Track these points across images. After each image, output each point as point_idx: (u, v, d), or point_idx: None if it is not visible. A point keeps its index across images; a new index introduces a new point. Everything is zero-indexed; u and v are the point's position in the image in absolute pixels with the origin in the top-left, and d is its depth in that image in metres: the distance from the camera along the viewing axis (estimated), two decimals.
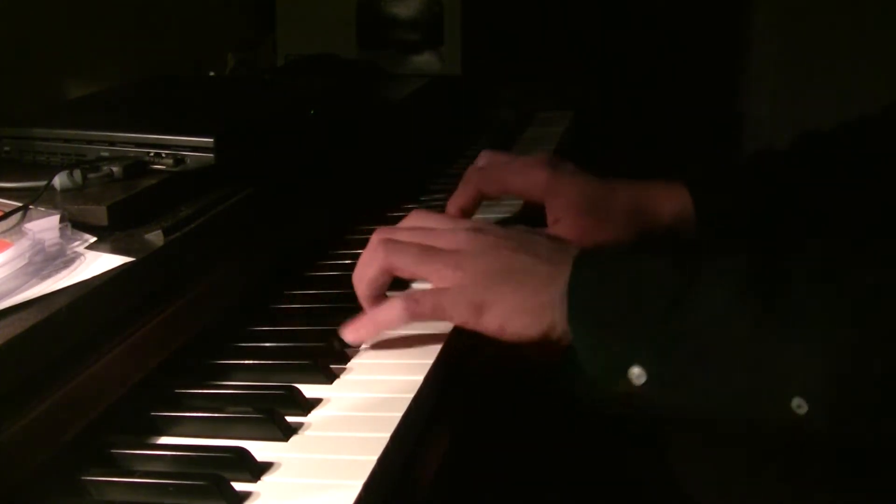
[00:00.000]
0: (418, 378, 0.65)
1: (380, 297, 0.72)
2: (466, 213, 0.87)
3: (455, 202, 0.87)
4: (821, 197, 0.84)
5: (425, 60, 1.40)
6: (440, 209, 1.00)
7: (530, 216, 0.88)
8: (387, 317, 0.69)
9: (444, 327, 0.72)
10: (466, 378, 0.72)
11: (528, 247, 0.70)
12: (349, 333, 0.70)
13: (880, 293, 0.60)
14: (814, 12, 2.13)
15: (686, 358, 0.62)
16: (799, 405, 0.59)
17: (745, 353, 0.61)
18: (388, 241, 0.71)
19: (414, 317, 0.68)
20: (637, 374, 0.62)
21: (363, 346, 0.71)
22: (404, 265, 0.70)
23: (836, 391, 0.59)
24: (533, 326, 0.66)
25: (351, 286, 0.82)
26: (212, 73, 1.33)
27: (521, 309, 0.67)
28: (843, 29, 2.10)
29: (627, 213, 0.81)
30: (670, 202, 0.82)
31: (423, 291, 0.69)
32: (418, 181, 1.11)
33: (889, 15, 2.04)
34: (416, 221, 0.77)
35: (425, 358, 0.68)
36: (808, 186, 0.84)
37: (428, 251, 0.70)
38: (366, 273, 0.72)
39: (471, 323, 0.68)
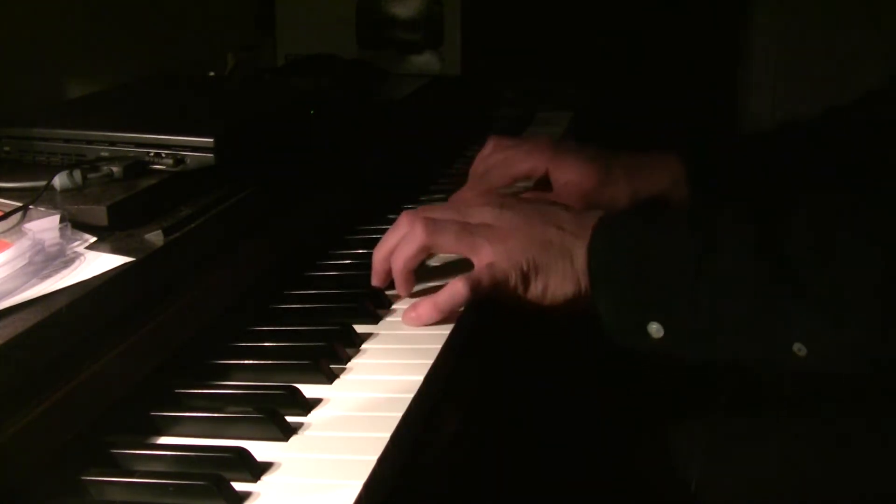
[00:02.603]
0: (418, 378, 0.65)
1: (413, 274, 0.76)
2: None
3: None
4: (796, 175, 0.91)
5: (425, 60, 1.40)
6: None
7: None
8: (451, 300, 0.72)
9: (443, 328, 0.72)
10: (467, 377, 0.72)
11: (552, 218, 0.75)
12: (412, 320, 0.73)
13: (874, 240, 0.67)
14: (813, 12, 2.13)
15: (703, 314, 0.69)
16: (799, 349, 0.67)
17: (756, 309, 0.68)
18: (427, 220, 0.75)
19: (478, 294, 0.72)
20: (655, 329, 0.70)
21: (363, 346, 0.71)
22: (446, 242, 0.75)
23: (830, 337, 0.67)
24: (570, 292, 0.73)
25: (351, 286, 0.82)
26: (212, 73, 1.33)
27: (562, 277, 0.73)
28: (842, 28, 2.10)
29: (626, 178, 0.89)
30: (666, 169, 0.90)
31: (476, 271, 0.74)
32: (418, 181, 1.11)
33: (889, 14, 2.04)
34: (446, 206, 0.82)
35: (425, 358, 0.68)
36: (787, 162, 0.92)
37: (467, 228, 0.75)
38: (404, 251, 0.75)
39: (519, 289, 0.74)
